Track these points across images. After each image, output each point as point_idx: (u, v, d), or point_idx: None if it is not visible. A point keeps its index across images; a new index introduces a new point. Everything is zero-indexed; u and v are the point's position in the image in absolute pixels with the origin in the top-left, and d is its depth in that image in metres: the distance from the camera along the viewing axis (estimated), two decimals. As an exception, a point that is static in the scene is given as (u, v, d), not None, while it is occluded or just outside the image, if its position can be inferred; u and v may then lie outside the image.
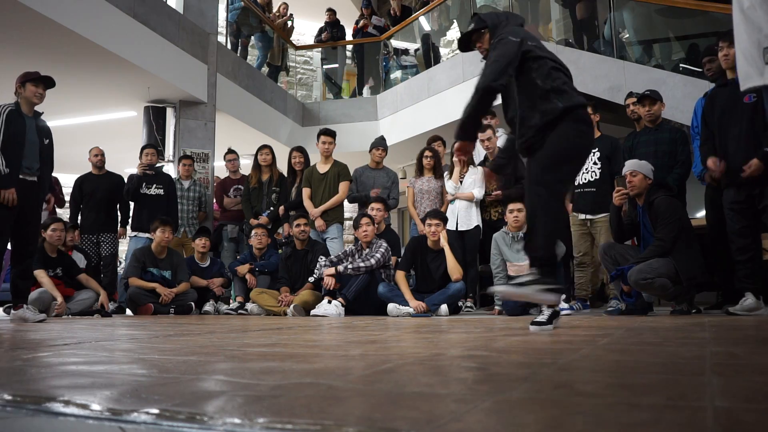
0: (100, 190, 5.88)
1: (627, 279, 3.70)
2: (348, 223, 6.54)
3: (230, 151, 6.53)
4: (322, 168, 5.62)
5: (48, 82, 3.97)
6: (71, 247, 5.44)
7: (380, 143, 5.79)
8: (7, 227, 3.84)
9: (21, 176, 3.86)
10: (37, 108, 4.02)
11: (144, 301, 5.13)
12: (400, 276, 4.66)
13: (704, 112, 3.79)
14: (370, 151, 5.79)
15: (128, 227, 6.12)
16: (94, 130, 7.67)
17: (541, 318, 2.45)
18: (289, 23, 10.09)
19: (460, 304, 4.78)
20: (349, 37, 10.39)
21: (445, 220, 4.72)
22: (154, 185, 5.84)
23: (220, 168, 7.52)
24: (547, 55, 2.61)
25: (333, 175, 5.55)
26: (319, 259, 5.02)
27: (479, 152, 5.76)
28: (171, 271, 5.40)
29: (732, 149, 3.58)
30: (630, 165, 3.94)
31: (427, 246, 4.71)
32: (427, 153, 5.54)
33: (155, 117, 6.98)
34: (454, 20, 8.86)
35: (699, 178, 4.11)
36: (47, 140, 4.07)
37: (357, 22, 10.27)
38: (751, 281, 3.51)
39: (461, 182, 5.20)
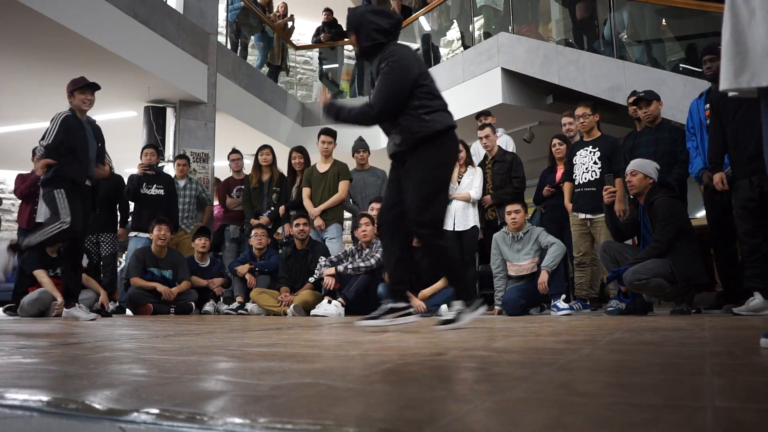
0: (100, 190, 5.87)
1: (623, 280, 3.70)
2: (348, 223, 6.54)
3: (234, 151, 6.52)
4: (322, 167, 5.62)
5: (94, 87, 4.12)
6: None
7: (360, 146, 5.79)
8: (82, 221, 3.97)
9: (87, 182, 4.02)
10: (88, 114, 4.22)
11: (144, 301, 5.13)
12: (400, 276, 4.65)
13: (717, 102, 3.69)
14: (353, 155, 5.80)
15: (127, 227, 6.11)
16: (94, 130, 7.66)
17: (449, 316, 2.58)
18: (290, 24, 10.09)
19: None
20: (348, 36, 10.39)
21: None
22: (155, 185, 5.84)
23: (220, 168, 7.51)
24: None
25: (333, 175, 5.55)
26: (320, 260, 5.02)
27: (479, 152, 5.76)
28: (172, 271, 5.40)
29: (743, 139, 3.49)
30: (632, 164, 3.93)
31: (427, 246, 4.70)
32: (426, 152, 5.51)
33: (155, 117, 6.98)
34: (454, 20, 8.85)
35: (696, 179, 4.08)
36: (100, 143, 4.24)
37: (357, 22, 10.26)
38: (761, 281, 3.44)
39: (459, 182, 5.18)
